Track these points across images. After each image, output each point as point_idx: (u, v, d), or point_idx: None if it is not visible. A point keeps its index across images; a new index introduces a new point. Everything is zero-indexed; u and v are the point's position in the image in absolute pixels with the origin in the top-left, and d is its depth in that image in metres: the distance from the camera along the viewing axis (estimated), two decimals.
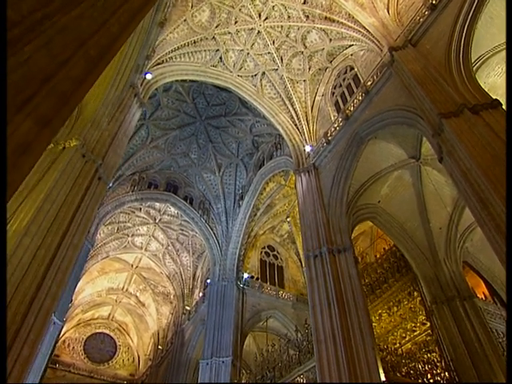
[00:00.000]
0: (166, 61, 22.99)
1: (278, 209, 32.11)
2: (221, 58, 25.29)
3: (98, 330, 45.31)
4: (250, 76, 26.04)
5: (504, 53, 15.95)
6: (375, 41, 19.63)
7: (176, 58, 23.61)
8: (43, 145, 4.22)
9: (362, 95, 19.65)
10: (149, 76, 20.64)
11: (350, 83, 23.11)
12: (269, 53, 25.27)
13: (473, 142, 11.91)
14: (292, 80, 25.60)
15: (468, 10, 14.97)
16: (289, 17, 23.56)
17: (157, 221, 35.83)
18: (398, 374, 15.87)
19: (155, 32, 18.79)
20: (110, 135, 15.96)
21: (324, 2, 21.84)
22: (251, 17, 23.82)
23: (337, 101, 23.96)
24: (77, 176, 13.39)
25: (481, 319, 18.37)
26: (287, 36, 24.47)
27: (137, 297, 43.18)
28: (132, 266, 40.22)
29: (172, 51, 23.06)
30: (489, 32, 16.02)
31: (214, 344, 24.98)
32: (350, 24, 21.16)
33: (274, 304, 28.90)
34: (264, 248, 33.30)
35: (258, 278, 30.44)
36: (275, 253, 33.62)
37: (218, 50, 25.01)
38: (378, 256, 25.65)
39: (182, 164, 34.37)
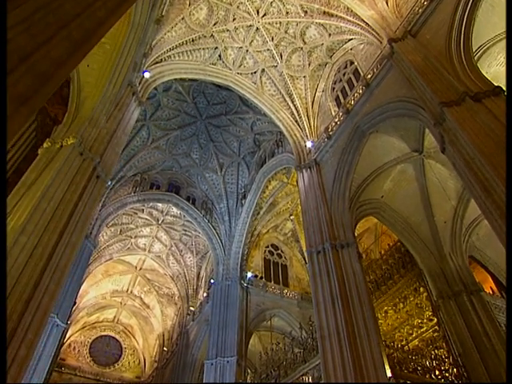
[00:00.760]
0: (165, 59, 22.87)
1: (281, 207, 31.90)
2: (220, 55, 25.14)
3: (103, 333, 45.28)
4: (249, 73, 25.88)
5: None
6: (374, 33, 19.43)
7: (174, 57, 23.48)
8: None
9: (362, 88, 19.42)
10: (147, 74, 20.51)
11: (350, 78, 22.89)
12: (268, 49, 25.09)
13: (475, 129, 11.67)
14: (292, 76, 25.41)
15: None
16: (287, 12, 23.37)
17: (160, 222, 35.71)
18: (404, 370, 15.58)
19: (152, 29, 18.62)
20: (109, 133, 15.79)
21: None
22: (249, 13, 23.66)
23: (337, 96, 23.73)
24: (74, 174, 13.23)
25: (488, 313, 18.05)
26: (286, 32, 24.29)
27: (141, 299, 43.08)
28: (136, 267, 40.13)
29: (170, 50, 22.94)
30: (490, 21, 15.76)
31: (218, 344, 24.79)
32: (348, 18, 20.95)
33: (278, 303, 28.67)
34: (268, 247, 33.09)
35: (261, 277, 30.23)
36: (279, 251, 33.40)
37: (216, 47, 24.87)
38: (382, 252, 25.38)
39: (184, 164, 34.24)
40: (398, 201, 21.84)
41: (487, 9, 15.31)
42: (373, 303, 17.20)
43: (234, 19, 23.94)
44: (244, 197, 31.77)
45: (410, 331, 20.93)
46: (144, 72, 20.14)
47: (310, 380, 16.67)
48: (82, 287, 34.19)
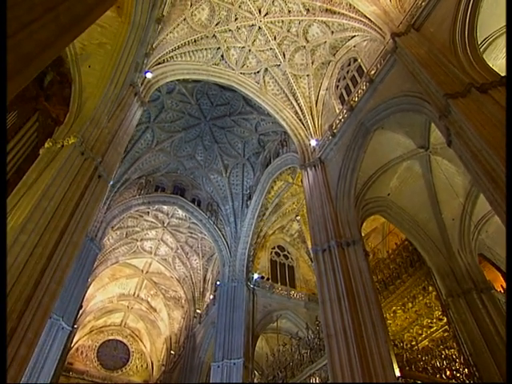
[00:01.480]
0: (167, 60, 22.83)
1: (287, 207, 31.66)
2: (222, 55, 25.05)
3: (110, 337, 45.24)
4: (252, 73, 25.75)
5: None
6: (377, 29, 19.19)
7: (177, 58, 23.43)
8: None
9: (366, 85, 19.19)
10: (149, 75, 20.46)
11: (353, 75, 22.67)
12: (270, 49, 24.96)
13: (482, 121, 11.42)
14: (295, 75, 25.24)
15: None
16: (289, 11, 23.23)
17: (165, 224, 35.62)
18: (414, 370, 15.23)
19: (153, 28, 18.57)
20: (110, 133, 15.75)
21: None
22: (251, 13, 23.55)
23: (341, 94, 23.51)
24: (75, 173, 13.18)
25: (500, 311, 17.65)
26: (288, 31, 24.14)
27: (148, 302, 42.99)
28: (142, 271, 40.08)
29: (172, 50, 22.90)
30: (495, 13, 15.45)
31: (224, 346, 24.56)
32: (351, 14, 20.75)
33: (285, 304, 28.40)
34: (274, 248, 32.85)
35: (268, 279, 29.98)
36: (285, 253, 33.14)
37: (219, 48, 24.79)
38: (390, 252, 25.02)
39: (189, 166, 34.16)
40: (405, 198, 21.52)
41: (492, 0, 15.04)
42: (380, 301, 16.91)
43: (235, 19, 23.84)
44: (249, 198, 31.59)
45: (420, 331, 20.58)
46: (146, 72, 20.11)
47: (318, 381, 16.38)
48: (88, 291, 34.25)
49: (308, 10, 22.72)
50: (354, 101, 19.95)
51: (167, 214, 35.12)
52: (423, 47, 15.39)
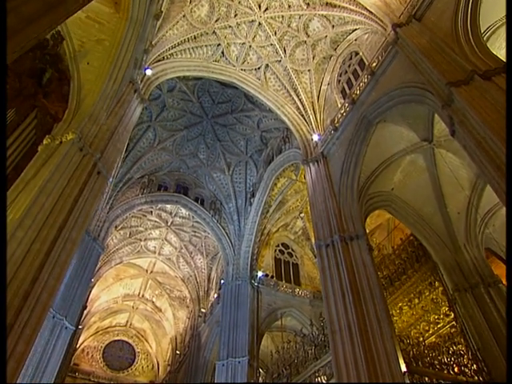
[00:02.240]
0: (167, 57, 22.71)
1: (291, 205, 31.43)
2: (223, 52, 24.89)
3: (116, 338, 45.21)
4: (253, 69, 25.56)
5: None
6: (378, 21, 18.96)
7: (177, 55, 23.31)
8: None
9: (367, 77, 18.94)
10: (149, 72, 20.35)
11: (355, 69, 22.40)
12: (271, 44, 24.76)
13: (486, 108, 11.18)
14: (296, 70, 25.01)
15: None
16: (289, 6, 23.03)
17: (169, 224, 35.51)
18: (420, 365, 14.94)
19: (151, 24, 18.45)
20: (110, 130, 15.62)
21: None
22: (251, 9, 23.37)
23: (343, 88, 23.26)
24: (74, 169, 13.07)
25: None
26: (289, 26, 23.93)
27: (153, 302, 42.91)
28: (147, 271, 40.00)
29: (172, 47, 22.77)
30: (497, 1, 15.17)
31: (229, 344, 24.39)
32: (351, 7, 20.53)
33: (290, 302, 28.19)
34: (278, 246, 32.64)
35: (272, 276, 29.78)
36: (290, 250, 32.92)
37: (219, 44, 24.63)
38: (395, 247, 24.72)
39: (191, 165, 34.04)
40: (409, 192, 21.22)
41: None
42: (385, 295, 16.62)
43: (235, 15, 23.68)
44: (253, 196, 31.41)
45: (427, 327, 20.25)
46: (145, 69, 19.98)
47: (324, 377, 16.13)
48: (93, 292, 34.25)
49: (308, 4, 22.51)
50: (356, 94, 19.70)
51: (170, 213, 35.01)
52: (425, 37, 15.16)
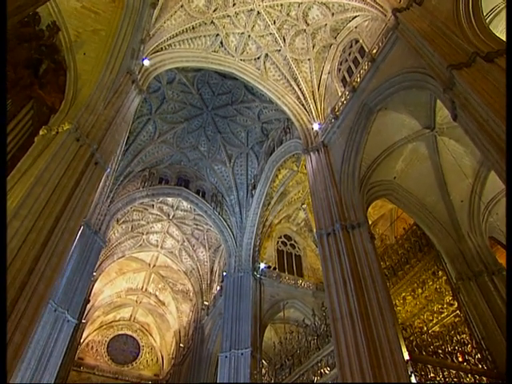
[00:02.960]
0: (165, 48, 22.45)
1: (293, 196, 31.23)
2: (221, 42, 24.60)
3: (120, 332, 45.39)
4: (252, 59, 25.28)
5: None
6: (378, 7, 18.65)
7: (175, 45, 23.04)
8: None
9: (367, 64, 18.68)
10: (146, 62, 20.13)
11: (355, 56, 22.13)
12: (270, 34, 24.45)
13: (488, 90, 10.97)
14: (296, 60, 24.72)
15: None
16: None
17: (170, 217, 35.43)
18: (424, 354, 14.79)
19: (148, 13, 18.19)
20: (107, 120, 15.46)
21: None
22: None
23: (343, 76, 22.99)
24: (71, 160, 12.93)
25: None
26: (288, 15, 23.60)
27: (156, 296, 42.97)
28: (149, 264, 40.01)
29: (170, 38, 22.49)
30: None
31: (232, 336, 24.35)
32: None
33: (293, 293, 28.10)
34: (280, 238, 32.48)
35: (275, 268, 29.67)
36: (292, 242, 32.76)
37: (217, 34, 24.33)
38: (398, 237, 24.54)
39: (192, 157, 33.88)
40: (412, 181, 20.98)
41: None
42: (386, 283, 16.45)
43: (233, 4, 23.39)
44: (254, 187, 31.24)
45: (430, 317, 20.11)
46: (143, 59, 19.76)
47: (326, 369, 16.02)
48: (96, 286, 34.29)
49: None
50: (356, 82, 19.45)
51: (172, 207, 34.92)
52: (425, 21, 14.86)
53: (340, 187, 18.39)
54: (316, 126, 22.17)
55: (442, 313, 19.68)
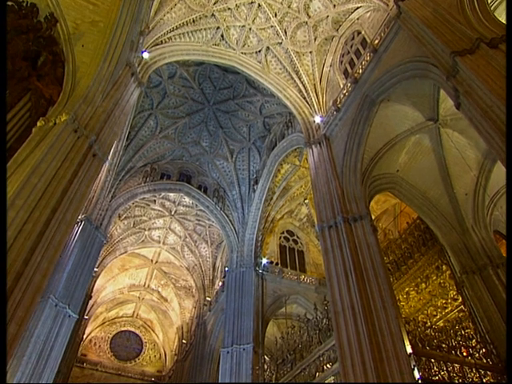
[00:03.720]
0: (165, 41, 22.29)
1: (295, 191, 31.00)
2: (222, 35, 24.37)
3: (123, 328, 45.40)
4: (254, 52, 25.04)
5: None
6: None
7: (175, 39, 22.86)
8: None
9: (369, 55, 18.42)
10: (146, 55, 19.97)
11: (357, 48, 21.86)
12: (271, 26, 24.20)
13: (492, 75, 10.75)
14: (298, 53, 24.45)
15: None
16: None
17: (172, 213, 35.28)
18: (427, 348, 14.56)
19: (146, 5, 18.03)
20: (105, 112, 15.32)
21: None
22: None
23: (345, 69, 22.71)
24: (68, 151, 12.81)
25: None
26: (289, 7, 23.34)
27: (159, 292, 42.91)
28: (152, 261, 39.91)
29: (170, 31, 22.33)
30: None
31: (234, 332, 24.20)
32: None
33: (295, 289, 27.93)
34: (283, 233, 32.31)
35: (277, 263, 29.48)
36: (295, 237, 32.57)
37: (218, 27, 24.11)
38: (401, 232, 24.28)
39: (194, 153, 33.70)
40: (415, 174, 20.73)
41: None
42: (389, 276, 16.19)
43: None
44: (256, 182, 31.02)
45: (434, 312, 19.92)
46: (142, 52, 19.59)
47: (329, 365, 15.81)
48: (98, 282, 34.25)
49: None
50: (358, 73, 19.20)
51: (174, 202, 34.76)
52: (428, 8, 14.61)
53: (342, 180, 18.16)
54: (318, 119, 21.95)
55: (445, 308, 19.47)
